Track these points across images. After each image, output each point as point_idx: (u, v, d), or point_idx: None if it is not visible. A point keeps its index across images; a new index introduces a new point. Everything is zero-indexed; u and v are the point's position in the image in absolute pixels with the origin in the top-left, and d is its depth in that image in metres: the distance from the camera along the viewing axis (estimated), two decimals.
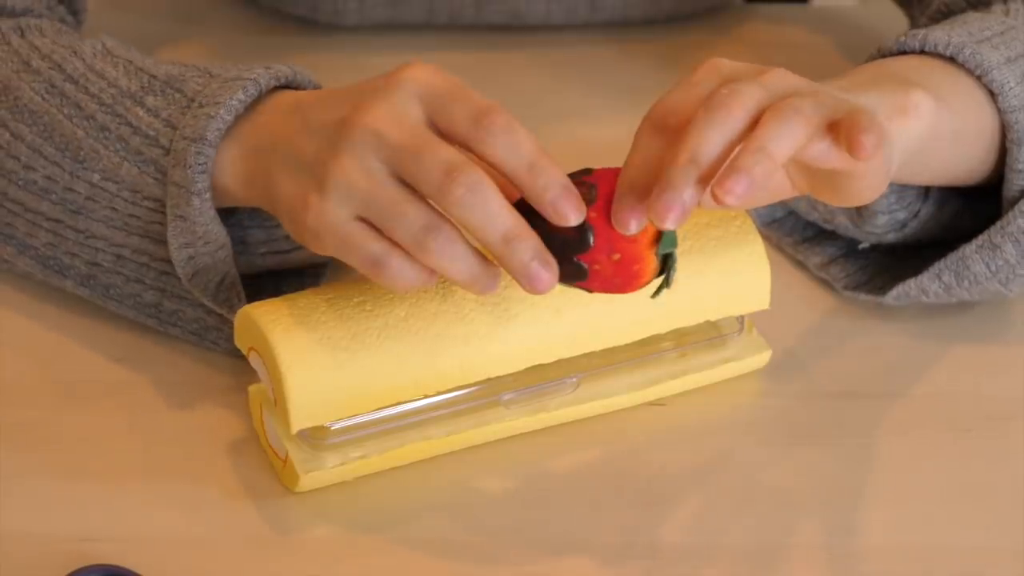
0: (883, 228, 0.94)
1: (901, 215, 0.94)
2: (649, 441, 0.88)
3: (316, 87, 0.88)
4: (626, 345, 0.88)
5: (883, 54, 0.92)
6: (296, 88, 0.87)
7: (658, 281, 0.79)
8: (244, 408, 0.88)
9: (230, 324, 0.89)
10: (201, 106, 0.85)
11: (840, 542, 0.83)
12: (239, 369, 0.89)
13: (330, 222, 0.79)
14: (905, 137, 0.84)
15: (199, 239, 0.86)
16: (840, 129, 0.76)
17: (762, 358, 0.91)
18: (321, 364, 0.81)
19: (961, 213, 0.96)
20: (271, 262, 0.93)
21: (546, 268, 0.77)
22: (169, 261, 0.89)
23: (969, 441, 0.89)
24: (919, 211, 0.94)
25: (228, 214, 0.90)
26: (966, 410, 0.90)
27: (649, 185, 0.76)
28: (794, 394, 0.91)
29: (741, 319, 0.91)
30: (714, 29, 1.21)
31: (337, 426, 0.83)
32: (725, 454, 0.87)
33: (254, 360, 0.83)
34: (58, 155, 0.89)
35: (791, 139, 0.75)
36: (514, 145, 0.77)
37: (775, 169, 0.76)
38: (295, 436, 0.83)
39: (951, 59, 0.90)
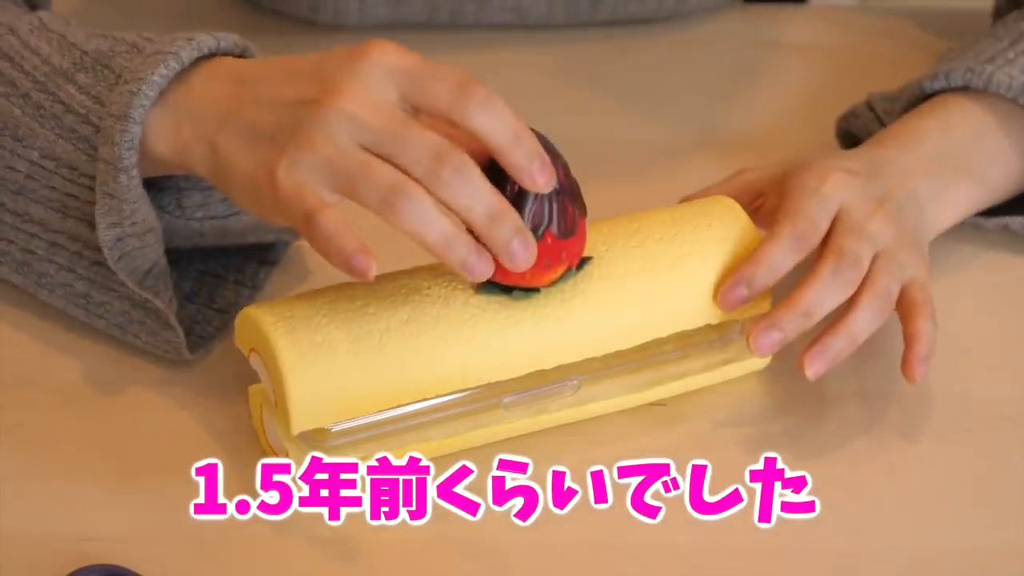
0: None
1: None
2: (650, 442, 0.88)
3: (243, 54, 0.87)
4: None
5: (950, 83, 0.98)
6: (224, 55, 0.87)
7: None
8: (244, 408, 0.88)
9: (154, 318, 0.89)
10: (126, 83, 0.85)
11: (840, 542, 0.83)
12: (239, 369, 0.89)
13: (297, 191, 0.79)
14: (939, 225, 0.96)
15: (126, 218, 0.86)
16: (906, 341, 0.89)
17: (762, 359, 0.91)
18: (322, 366, 0.81)
19: None
20: (208, 229, 0.92)
21: (525, 247, 0.80)
22: (101, 250, 0.89)
23: (970, 441, 0.89)
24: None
25: (165, 177, 0.89)
26: (966, 410, 0.90)
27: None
28: (794, 394, 0.91)
29: (742, 320, 0.91)
30: (714, 29, 1.21)
31: (337, 428, 0.83)
32: (725, 454, 0.87)
33: (255, 361, 0.83)
34: None
35: (872, 325, 0.88)
36: (498, 116, 0.79)
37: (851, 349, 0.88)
38: (295, 437, 0.83)
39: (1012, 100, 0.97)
